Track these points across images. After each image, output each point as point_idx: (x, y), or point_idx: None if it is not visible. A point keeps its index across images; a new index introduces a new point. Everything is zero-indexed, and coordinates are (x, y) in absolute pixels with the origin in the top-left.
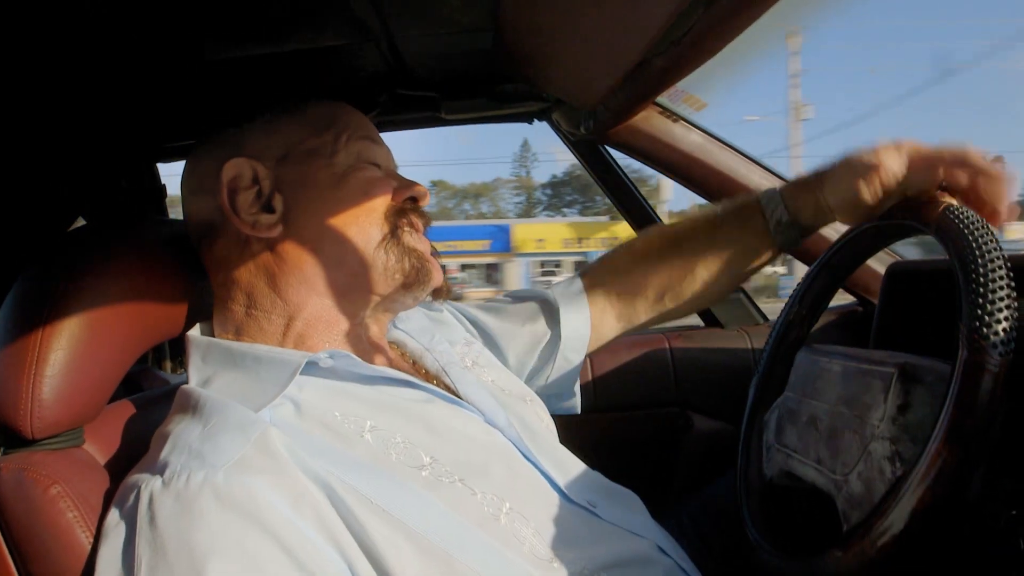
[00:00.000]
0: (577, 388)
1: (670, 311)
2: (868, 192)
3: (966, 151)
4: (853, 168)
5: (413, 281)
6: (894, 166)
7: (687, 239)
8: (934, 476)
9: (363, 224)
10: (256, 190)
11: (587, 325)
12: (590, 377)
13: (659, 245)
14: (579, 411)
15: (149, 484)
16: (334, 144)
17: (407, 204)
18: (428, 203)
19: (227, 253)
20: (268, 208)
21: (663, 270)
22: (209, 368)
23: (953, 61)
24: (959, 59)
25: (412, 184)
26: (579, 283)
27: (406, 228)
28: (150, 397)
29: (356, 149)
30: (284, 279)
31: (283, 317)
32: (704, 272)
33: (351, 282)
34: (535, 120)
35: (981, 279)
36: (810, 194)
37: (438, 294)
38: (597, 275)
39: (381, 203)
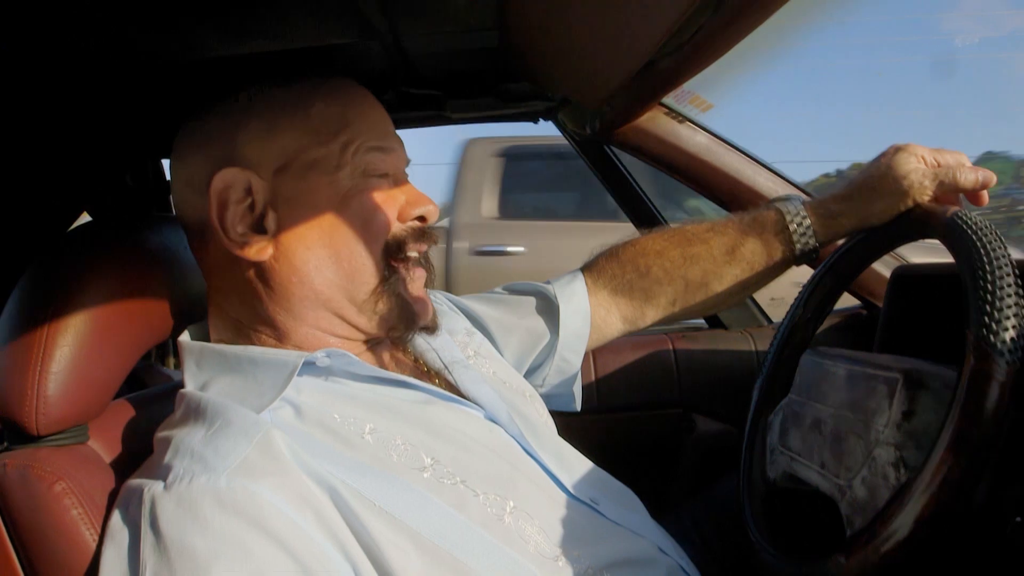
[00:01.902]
0: (577, 388)
1: (678, 317)
2: (909, 204)
3: (961, 156)
4: (898, 191)
5: (399, 328)
6: (925, 178)
7: (704, 253)
8: (939, 484)
9: (358, 259)
10: (248, 202)
11: (587, 325)
12: (593, 377)
13: (675, 253)
14: (578, 409)
15: (151, 488)
16: (340, 157)
17: (411, 227)
18: (436, 219)
19: (217, 263)
20: (259, 227)
21: (677, 279)
22: (205, 373)
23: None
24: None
25: (421, 201)
26: (581, 280)
27: (402, 269)
28: (154, 394)
29: (364, 163)
30: (271, 305)
31: (273, 337)
32: (719, 285)
33: (341, 319)
34: (540, 119)
35: (989, 286)
36: (843, 223)
37: (425, 330)
38: (604, 274)
39: (383, 231)
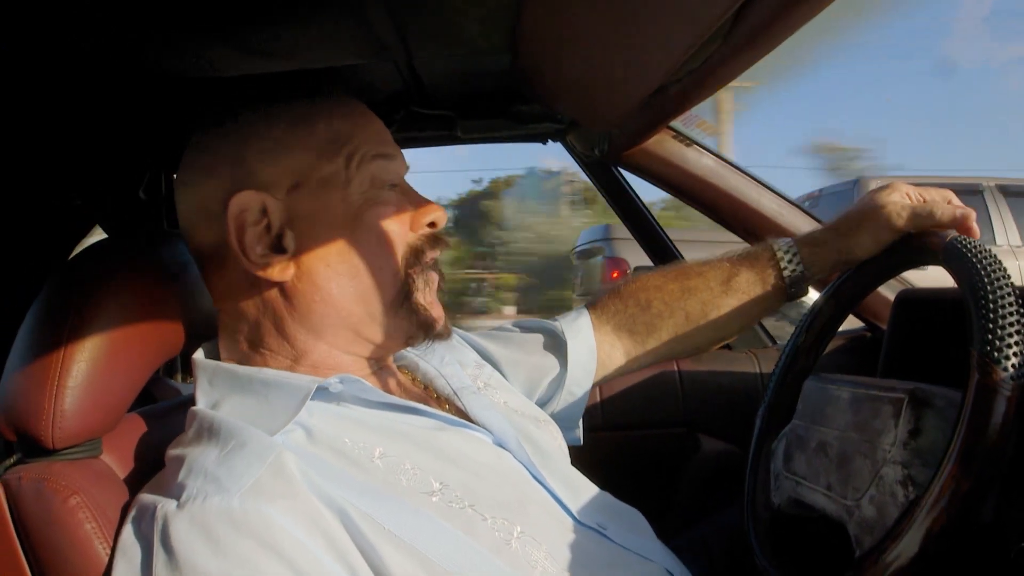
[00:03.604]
0: (580, 422)
1: (678, 352)
2: (891, 238)
3: (947, 193)
4: (876, 221)
5: (418, 336)
6: (904, 210)
7: (702, 286)
8: (948, 498)
9: (378, 273)
10: (264, 223)
11: (593, 360)
12: (599, 397)
13: (674, 287)
14: (580, 443)
15: (164, 506)
16: (347, 171)
17: (424, 234)
18: (444, 223)
19: (232, 286)
20: (278, 247)
21: (678, 311)
22: (217, 392)
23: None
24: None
25: (429, 207)
26: (587, 317)
27: (419, 278)
28: (164, 408)
29: (370, 172)
30: (292, 324)
31: (288, 358)
32: (716, 318)
33: (359, 334)
34: (549, 141)
35: (991, 305)
36: (829, 252)
37: (438, 337)
38: (608, 310)
39: (399, 243)
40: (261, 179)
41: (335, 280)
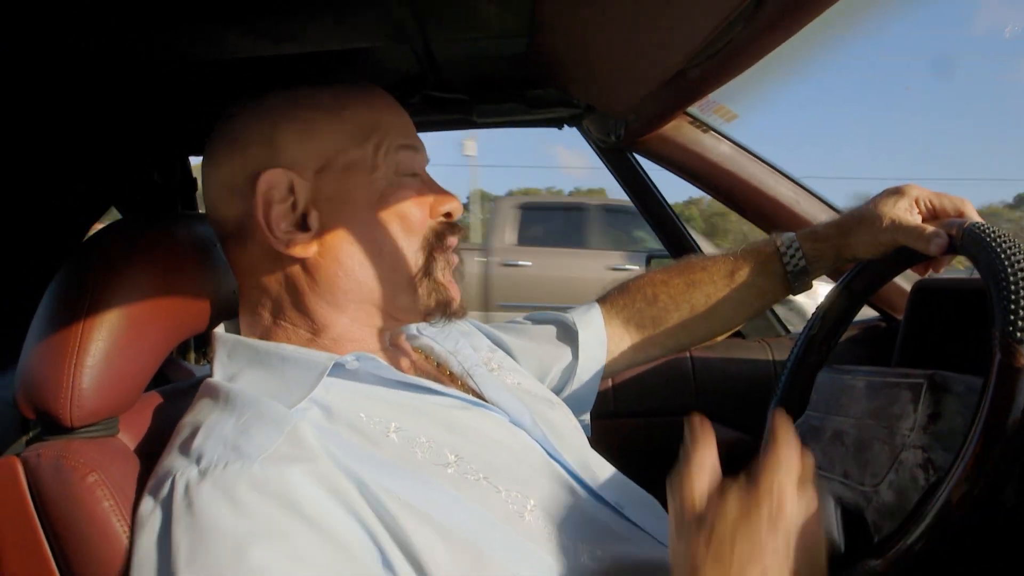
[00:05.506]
0: (587, 415)
1: (685, 343)
2: (894, 240)
3: (958, 202)
4: (870, 226)
5: (436, 313)
6: (894, 227)
7: (706, 280)
8: (972, 477)
9: (399, 252)
10: (291, 202)
11: (603, 352)
12: (610, 384)
13: (679, 281)
14: (589, 434)
15: (185, 473)
16: (374, 157)
17: (443, 222)
18: (460, 214)
19: (255, 261)
20: (303, 225)
21: (683, 304)
22: (234, 365)
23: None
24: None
25: (447, 198)
26: (597, 310)
27: (439, 258)
28: (179, 388)
29: (396, 161)
30: (313, 299)
31: (309, 331)
32: (720, 310)
33: (380, 309)
34: (565, 126)
35: (1012, 286)
36: (831, 248)
37: (454, 316)
38: (616, 305)
39: (419, 226)
40: (289, 159)
41: (358, 258)
